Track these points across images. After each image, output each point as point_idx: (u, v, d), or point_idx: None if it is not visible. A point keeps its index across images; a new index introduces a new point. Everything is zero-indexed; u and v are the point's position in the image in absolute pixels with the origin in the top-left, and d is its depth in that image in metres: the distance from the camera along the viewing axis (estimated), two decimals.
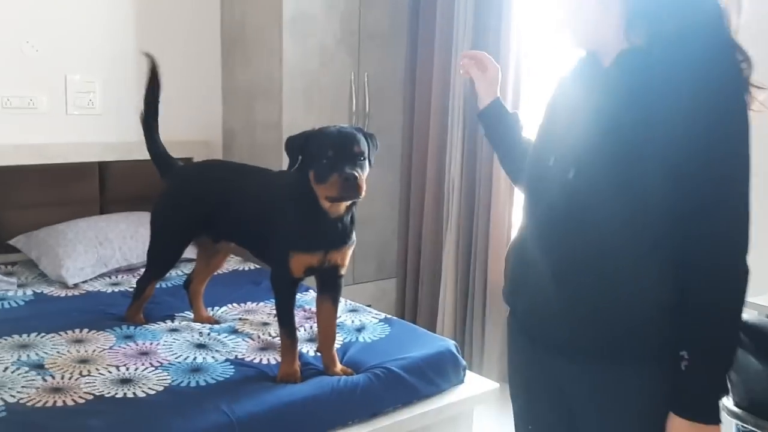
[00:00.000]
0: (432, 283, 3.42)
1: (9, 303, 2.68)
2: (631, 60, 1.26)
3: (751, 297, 1.87)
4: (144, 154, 3.44)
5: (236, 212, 2.36)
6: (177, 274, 3.04)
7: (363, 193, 1.97)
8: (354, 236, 2.18)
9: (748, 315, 1.53)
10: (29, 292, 2.81)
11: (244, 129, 3.61)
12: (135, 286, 2.63)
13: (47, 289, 2.85)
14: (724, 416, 1.64)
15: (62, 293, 2.83)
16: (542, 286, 1.36)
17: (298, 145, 2.05)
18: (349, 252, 2.19)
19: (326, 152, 1.96)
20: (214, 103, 3.76)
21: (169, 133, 3.58)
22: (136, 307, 2.56)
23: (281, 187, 2.23)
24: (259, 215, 2.27)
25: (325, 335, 2.23)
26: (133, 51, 3.45)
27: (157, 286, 2.89)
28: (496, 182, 3.13)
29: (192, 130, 3.69)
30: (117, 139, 3.44)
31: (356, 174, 1.94)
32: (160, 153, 2.67)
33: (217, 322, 2.58)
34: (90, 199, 3.39)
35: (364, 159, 2.01)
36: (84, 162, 3.36)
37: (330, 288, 2.23)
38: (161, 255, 2.58)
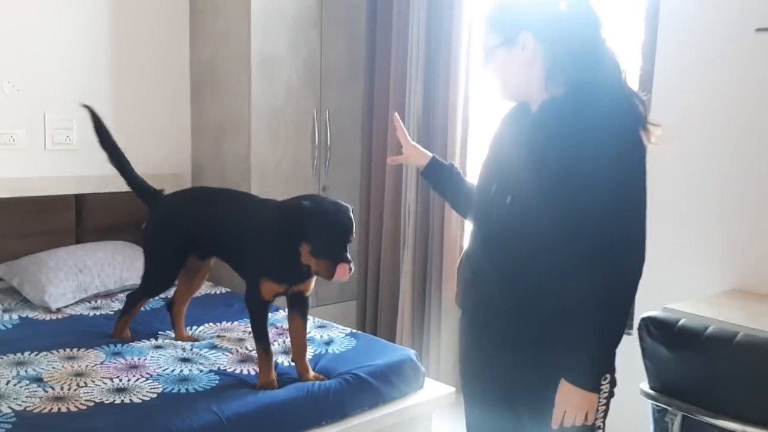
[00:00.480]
0: (390, 302, 3.69)
1: None
2: (551, 108, 1.59)
3: (668, 303, 2.20)
4: (118, 187, 3.67)
5: (219, 233, 2.60)
6: (153, 299, 3.25)
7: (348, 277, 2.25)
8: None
9: (658, 313, 1.86)
10: (15, 316, 2.98)
11: (213, 162, 3.85)
12: (125, 300, 2.82)
13: (32, 314, 3.02)
14: (641, 398, 1.96)
15: (47, 317, 3.01)
16: (488, 288, 1.67)
17: (294, 219, 2.28)
18: (313, 282, 2.47)
19: (330, 235, 2.23)
20: (184, 138, 3.99)
21: (140, 166, 3.79)
22: (123, 322, 2.75)
23: (262, 218, 2.48)
24: (238, 239, 2.52)
25: (297, 346, 2.48)
26: (108, 89, 3.68)
27: (143, 308, 3.12)
28: (448, 208, 3.44)
29: (162, 163, 3.90)
30: (93, 172, 3.62)
31: (351, 267, 2.22)
32: (141, 185, 2.89)
33: (197, 340, 2.81)
34: (67, 229, 3.57)
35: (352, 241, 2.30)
36: (61, 194, 3.53)
37: (298, 305, 2.50)
38: (157, 276, 2.78)
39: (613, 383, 1.62)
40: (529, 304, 1.60)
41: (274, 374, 2.39)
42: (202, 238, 2.66)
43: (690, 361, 1.78)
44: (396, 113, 2.13)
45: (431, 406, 2.66)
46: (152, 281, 2.79)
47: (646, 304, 2.21)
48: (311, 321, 2.91)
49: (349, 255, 2.25)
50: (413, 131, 3.53)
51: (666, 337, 1.81)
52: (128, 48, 3.73)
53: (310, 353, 2.56)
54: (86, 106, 2.79)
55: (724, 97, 2.63)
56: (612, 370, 1.57)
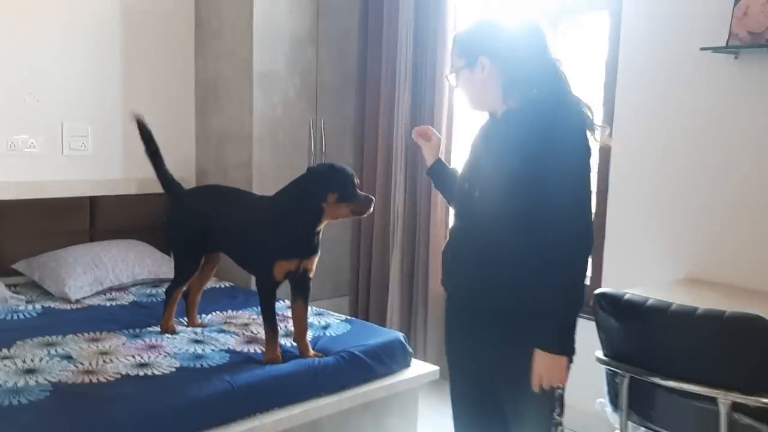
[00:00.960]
0: (380, 295, 3.99)
1: (23, 315, 3.13)
2: (509, 117, 1.91)
3: (626, 290, 2.49)
4: (129, 190, 4.00)
5: (228, 226, 2.90)
6: (163, 291, 3.56)
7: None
8: (319, 249, 2.78)
9: (608, 289, 2.19)
10: (38, 306, 3.26)
11: (216, 168, 4.16)
12: (165, 295, 3.06)
13: (53, 304, 3.31)
14: (597, 364, 2.28)
15: (67, 307, 3.30)
16: (465, 269, 1.99)
17: (321, 176, 2.70)
18: (316, 260, 2.78)
19: (350, 182, 2.68)
20: (189, 145, 4.29)
21: (149, 171, 4.13)
22: (167, 315, 3.00)
23: (267, 209, 2.80)
24: (247, 230, 2.82)
25: (299, 328, 2.78)
26: (120, 101, 3.99)
27: (152, 300, 3.43)
28: (433, 209, 3.76)
29: (169, 168, 4.19)
30: (106, 176, 3.95)
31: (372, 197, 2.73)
32: (170, 180, 3.18)
33: (206, 326, 3.11)
34: (81, 229, 3.86)
35: None
36: (76, 197, 3.84)
37: (301, 290, 2.80)
38: (182, 263, 3.07)
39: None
40: (500, 283, 1.90)
41: (279, 350, 2.69)
42: (212, 230, 2.95)
43: (633, 330, 2.10)
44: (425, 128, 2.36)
45: (417, 382, 2.96)
46: (178, 269, 3.07)
47: None
48: (310, 310, 3.21)
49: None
50: (401, 138, 3.85)
51: (614, 309, 2.12)
52: (138, 63, 4.04)
53: (309, 336, 2.85)
54: (138, 119, 3.10)
55: (676, 106, 2.97)
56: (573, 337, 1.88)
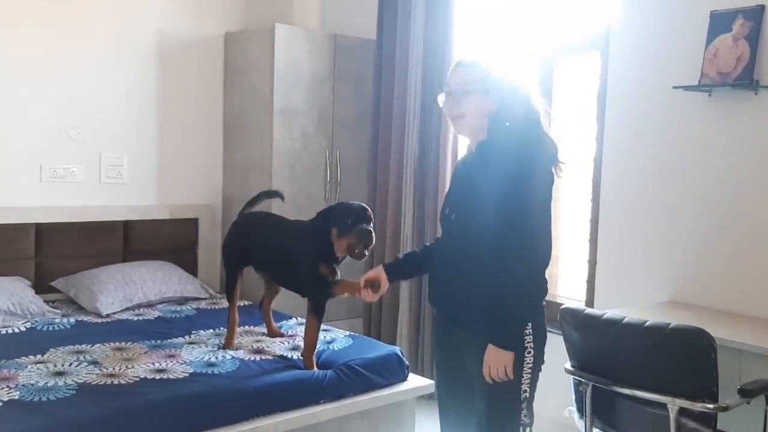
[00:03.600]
0: (392, 316, 4.22)
1: (58, 326, 3.45)
2: (483, 148, 2.17)
3: (610, 310, 2.68)
4: (160, 215, 4.32)
5: (269, 247, 3.20)
6: (187, 308, 3.87)
7: (373, 241, 2.84)
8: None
9: (571, 304, 2.40)
10: (72, 319, 3.57)
11: (241, 195, 4.45)
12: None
13: (86, 318, 3.62)
14: (567, 376, 2.48)
15: (98, 320, 3.60)
16: (444, 281, 2.24)
17: (325, 212, 2.95)
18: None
19: (351, 216, 2.83)
20: (216, 175, 4.63)
21: (179, 197, 4.48)
22: (230, 335, 3.23)
23: (305, 229, 3.06)
24: (290, 249, 3.09)
25: (309, 344, 2.98)
26: (154, 134, 4.34)
27: (176, 316, 3.71)
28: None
29: (198, 196, 4.55)
30: (139, 203, 4.28)
31: (371, 232, 2.82)
32: (246, 208, 3.51)
33: (283, 335, 3.38)
34: (115, 250, 4.19)
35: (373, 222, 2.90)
36: (112, 221, 4.17)
37: (317, 314, 3.02)
38: (225, 281, 3.41)
39: (538, 359, 2.15)
40: (471, 291, 2.16)
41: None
42: (254, 251, 3.26)
43: (592, 341, 2.31)
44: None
45: (413, 394, 3.18)
46: (226, 286, 3.39)
47: None
48: None
49: (371, 227, 2.83)
50: (410, 170, 4.12)
51: (576, 322, 2.33)
52: (171, 100, 4.40)
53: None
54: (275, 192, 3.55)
55: (658, 139, 3.18)
56: (531, 338, 2.09)
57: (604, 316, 2.24)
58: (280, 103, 4.18)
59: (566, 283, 3.71)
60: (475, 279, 2.13)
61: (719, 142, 2.98)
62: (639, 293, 3.24)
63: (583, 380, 2.36)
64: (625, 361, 2.23)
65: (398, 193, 4.22)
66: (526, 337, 2.10)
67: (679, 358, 2.11)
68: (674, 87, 2.98)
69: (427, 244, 2.55)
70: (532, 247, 2.05)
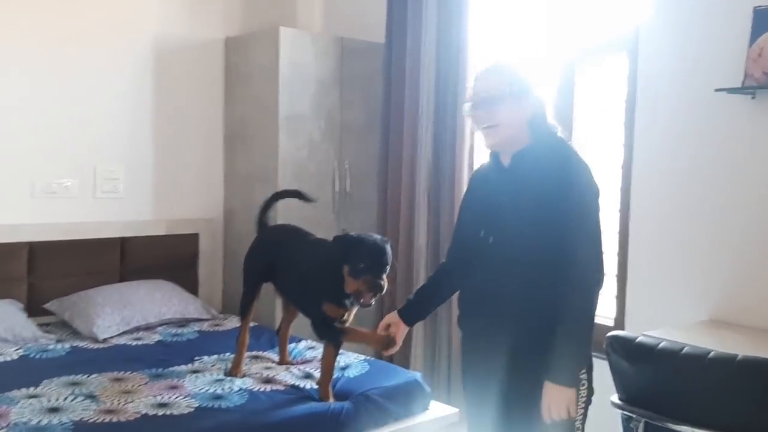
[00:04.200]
0: (405, 335, 3.99)
1: (52, 354, 3.21)
2: (521, 158, 1.95)
3: (647, 331, 2.48)
4: (157, 231, 4.10)
5: (290, 267, 2.96)
6: (188, 330, 3.63)
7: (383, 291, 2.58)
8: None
9: (620, 332, 2.17)
10: (67, 345, 3.34)
11: (243, 207, 4.24)
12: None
13: (81, 343, 3.39)
14: (612, 409, 2.25)
15: (95, 346, 3.37)
16: (486, 309, 2.03)
17: (338, 245, 2.66)
18: (355, 310, 2.78)
19: (361, 256, 2.55)
20: (217, 186, 4.40)
21: (178, 210, 4.24)
22: (237, 360, 3.01)
23: (323, 252, 2.83)
24: (302, 271, 2.86)
25: (326, 373, 2.78)
26: (151, 145, 4.11)
27: (177, 340, 3.47)
28: None
29: (198, 209, 4.32)
30: (135, 217, 4.05)
31: (381, 283, 2.54)
32: (262, 218, 3.28)
33: (292, 364, 3.15)
34: (112, 269, 3.96)
35: (389, 265, 2.62)
36: (107, 237, 3.94)
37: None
38: (242, 297, 3.15)
39: (590, 391, 1.94)
40: (520, 320, 1.95)
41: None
42: (276, 269, 3.02)
43: (646, 372, 2.08)
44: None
45: (436, 425, 2.95)
46: (241, 302, 3.15)
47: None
48: None
49: (383, 277, 2.54)
50: (424, 180, 3.89)
51: (626, 352, 2.10)
52: (169, 107, 4.17)
53: None
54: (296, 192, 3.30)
55: (696, 146, 2.95)
56: (585, 370, 1.89)
57: (660, 345, 2.02)
58: (286, 109, 3.96)
59: None
60: (525, 308, 1.93)
61: (763, 148, 2.76)
62: (675, 311, 3.01)
63: (635, 416, 2.13)
64: (686, 395, 2.00)
65: (411, 206, 3.99)
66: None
67: (748, 393, 1.88)
68: (716, 90, 2.75)
69: (432, 274, 2.35)
70: (594, 279, 1.86)
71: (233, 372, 2.98)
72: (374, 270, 2.54)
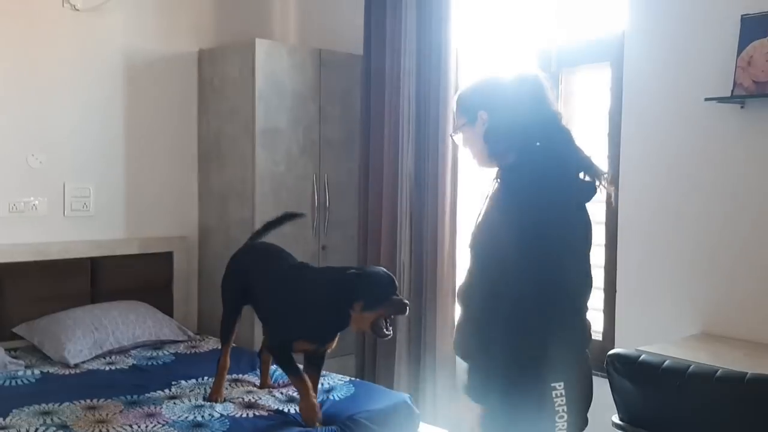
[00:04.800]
0: (387, 352, 3.88)
1: (21, 381, 3.06)
2: (505, 174, 1.87)
3: (640, 346, 2.41)
4: (129, 250, 3.95)
5: (263, 295, 2.87)
6: (164, 353, 3.48)
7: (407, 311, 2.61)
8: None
9: (622, 349, 2.10)
10: (36, 371, 3.18)
11: (218, 226, 4.12)
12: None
13: (51, 369, 3.23)
14: (613, 429, 2.17)
15: (66, 372, 3.21)
16: (460, 326, 1.95)
17: (349, 283, 2.59)
18: (336, 340, 2.72)
19: (378, 288, 2.55)
20: (191, 203, 4.26)
21: (151, 229, 4.10)
22: (218, 384, 2.91)
23: (311, 285, 2.73)
24: (282, 299, 2.76)
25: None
26: (122, 161, 3.98)
27: (152, 363, 3.33)
28: (440, 265, 3.69)
29: (171, 227, 4.18)
30: (106, 236, 3.90)
31: (405, 301, 2.57)
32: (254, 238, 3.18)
33: (275, 387, 3.02)
34: (82, 290, 3.78)
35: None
36: (78, 258, 3.78)
37: (315, 362, 2.76)
38: (222, 321, 3.04)
39: (574, 425, 1.83)
40: (472, 338, 1.86)
41: (314, 401, 2.64)
42: (253, 291, 2.92)
43: (650, 392, 2.01)
44: None
45: None
46: (222, 325, 3.03)
47: (620, 347, 2.45)
48: None
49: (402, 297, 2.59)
50: (405, 193, 3.80)
51: (629, 371, 2.03)
52: (141, 122, 4.04)
53: None
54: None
55: (684, 157, 2.91)
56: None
57: (665, 364, 1.95)
58: (262, 123, 3.85)
59: None
60: (480, 323, 1.84)
61: (753, 159, 2.72)
62: (666, 325, 2.95)
63: None
64: (693, 416, 1.93)
65: (392, 222, 3.89)
66: (556, 399, 1.79)
67: (758, 412, 1.82)
68: (706, 99, 2.71)
69: None
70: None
71: (213, 397, 2.86)
72: (391, 293, 2.55)
